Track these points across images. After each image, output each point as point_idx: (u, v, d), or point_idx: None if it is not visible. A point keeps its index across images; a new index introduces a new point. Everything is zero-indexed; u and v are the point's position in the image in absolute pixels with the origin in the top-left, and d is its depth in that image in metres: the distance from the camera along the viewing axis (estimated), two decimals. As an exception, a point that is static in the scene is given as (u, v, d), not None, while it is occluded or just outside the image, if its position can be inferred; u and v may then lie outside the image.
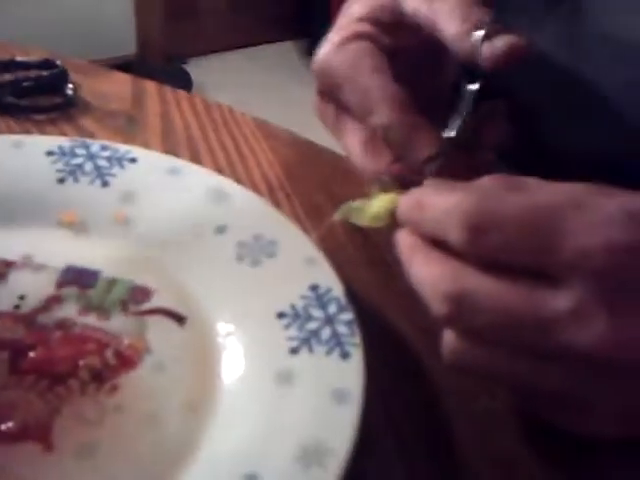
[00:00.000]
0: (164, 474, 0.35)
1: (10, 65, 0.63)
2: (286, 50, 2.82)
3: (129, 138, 0.57)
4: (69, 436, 0.36)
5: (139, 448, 0.36)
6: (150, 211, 0.47)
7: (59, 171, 0.48)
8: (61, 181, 0.48)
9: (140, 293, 0.43)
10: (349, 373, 0.37)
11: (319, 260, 0.43)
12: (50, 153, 0.49)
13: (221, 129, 0.59)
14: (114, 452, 0.36)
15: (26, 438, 0.36)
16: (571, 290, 0.32)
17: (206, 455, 0.35)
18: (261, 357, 0.39)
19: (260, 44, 2.85)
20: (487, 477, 0.37)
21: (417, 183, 0.40)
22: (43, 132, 0.57)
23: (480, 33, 0.41)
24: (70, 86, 0.61)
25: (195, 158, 0.55)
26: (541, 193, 0.35)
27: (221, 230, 0.46)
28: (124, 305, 0.42)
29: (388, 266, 0.47)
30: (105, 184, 0.48)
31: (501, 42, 0.41)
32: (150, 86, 0.64)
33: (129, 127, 0.58)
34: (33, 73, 0.62)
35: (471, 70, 0.42)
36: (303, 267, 0.43)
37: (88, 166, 0.49)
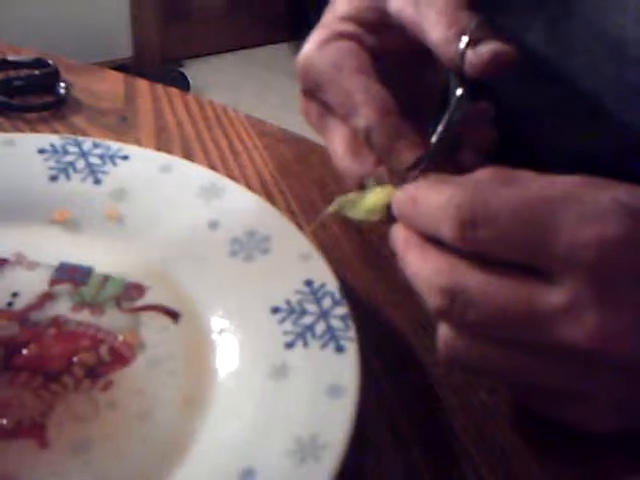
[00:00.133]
0: (159, 470, 0.35)
1: (1, 64, 0.62)
2: (282, 52, 2.82)
3: (121, 136, 0.56)
4: (64, 433, 0.36)
5: (134, 444, 0.36)
6: (143, 208, 0.47)
7: (51, 169, 0.48)
8: (53, 179, 0.48)
9: (134, 290, 0.43)
10: (344, 367, 0.37)
11: (313, 255, 0.43)
12: (42, 151, 0.49)
13: (214, 127, 0.59)
14: (109, 448, 0.35)
15: (21, 435, 0.35)
16: (564, 284, 0.32)
17: (201, 450, 0.35)
18: (256, 352, 0.39)
19: (256, 46, 2.85)
20: (484, 470, 0.37)
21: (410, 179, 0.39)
22: (35, 131, 0.57)
23: (465, 39, 0.40)
24: (62, 85, 0.61)
25: (188, 156, 0.55)
26: (534, 186, 0.34)
27: (214, 226, 0.45)
28: (118, 302, 0.42)
29: (382, 260, 0.47)
30: (97, 181, 0.48)
31: (485, 49, 0.39)
32: (142, 84, 0.64)
33: (121, 125, 0.58)
34: (25, 72, 0.62)
35: (459, 73, 0.40)
36: (297, 262, 0.43)
37: (80, 163, 0.48)
